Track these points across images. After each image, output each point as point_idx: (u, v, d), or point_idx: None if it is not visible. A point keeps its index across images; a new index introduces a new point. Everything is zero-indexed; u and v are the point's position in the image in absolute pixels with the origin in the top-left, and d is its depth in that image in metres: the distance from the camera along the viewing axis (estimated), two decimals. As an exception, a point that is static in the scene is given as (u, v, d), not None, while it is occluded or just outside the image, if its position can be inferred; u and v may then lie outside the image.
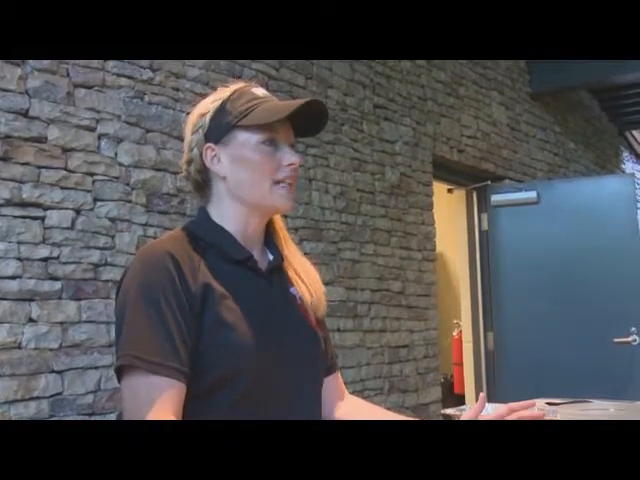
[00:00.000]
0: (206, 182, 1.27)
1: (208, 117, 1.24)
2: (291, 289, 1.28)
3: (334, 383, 1.37)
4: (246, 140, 1.22)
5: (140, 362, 1.08)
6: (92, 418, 2.36)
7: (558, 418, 1.33)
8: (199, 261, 1.18)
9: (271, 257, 1.29)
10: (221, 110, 1.24)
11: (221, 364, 1.13)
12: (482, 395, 1.21)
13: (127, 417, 1.10)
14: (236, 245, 1.23)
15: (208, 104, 1.26)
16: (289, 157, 1.23)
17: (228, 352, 1.13)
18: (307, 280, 1.29)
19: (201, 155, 1.25)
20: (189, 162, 1.27)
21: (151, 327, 1.10)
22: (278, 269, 1.28)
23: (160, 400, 1.07)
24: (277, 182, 1.22)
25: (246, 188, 1.23)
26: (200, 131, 1.25)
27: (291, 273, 1.29)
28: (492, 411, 1.20)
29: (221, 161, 1.23)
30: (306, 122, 1.26)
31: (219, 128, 1.23)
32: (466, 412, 1.24)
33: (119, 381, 1.12)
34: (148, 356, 1.08)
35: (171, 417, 1.08)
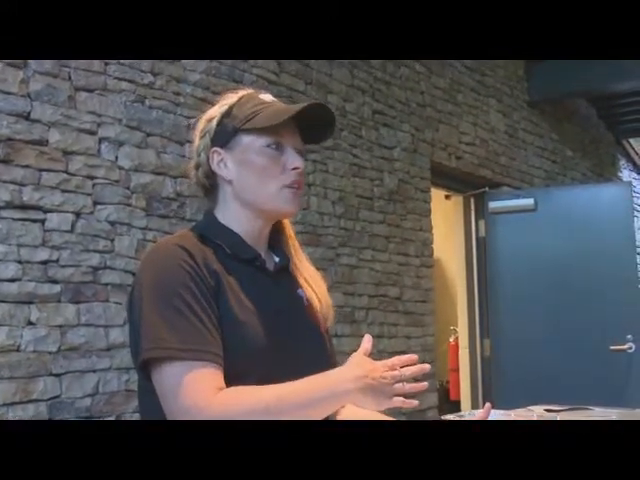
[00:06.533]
0: (213, 186, 1.28)
1: (215, 122, 1.26)
2: (298, 290, 1.29)
3: None
4: (251, 143, 1.23)
5: (182, 352, 1.08)
6: (90, 421, 2.36)
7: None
8: (209, 257, 1.18)
9: (277, 259, 1.30)
10: (227, 115, 1.25)
11: (231, 359, 1.12)
12: (488, 405, 1.22)
13: (177, 405, 1.07)
14: (244, 245, 1.25)
15: (215, 109, 1.28)
16: (293, 161, 1.23)
17: (238, 348, 1.13)
18: (316, 289, 1.30)
19: (208, 160, 1.26)
20: (197, 167, 1.28)
21: (181, 318, 1.10)
22: (285, 270, 1.30)
23: (213, 384, 1.08)
24: (284, 186, 1.23)
25: (252, 191, 1.24)
26: (207, 136, 1.26)
27: (299, 279, 1.30)
28: (496, 417, 1.21)
29: (227, 165, 1.25)
30: (313, 128, 1.27)
31: (225, 132, 1.25)
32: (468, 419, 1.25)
33: (150, 374, 1.11)
34: (189, 345, 1.08)
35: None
